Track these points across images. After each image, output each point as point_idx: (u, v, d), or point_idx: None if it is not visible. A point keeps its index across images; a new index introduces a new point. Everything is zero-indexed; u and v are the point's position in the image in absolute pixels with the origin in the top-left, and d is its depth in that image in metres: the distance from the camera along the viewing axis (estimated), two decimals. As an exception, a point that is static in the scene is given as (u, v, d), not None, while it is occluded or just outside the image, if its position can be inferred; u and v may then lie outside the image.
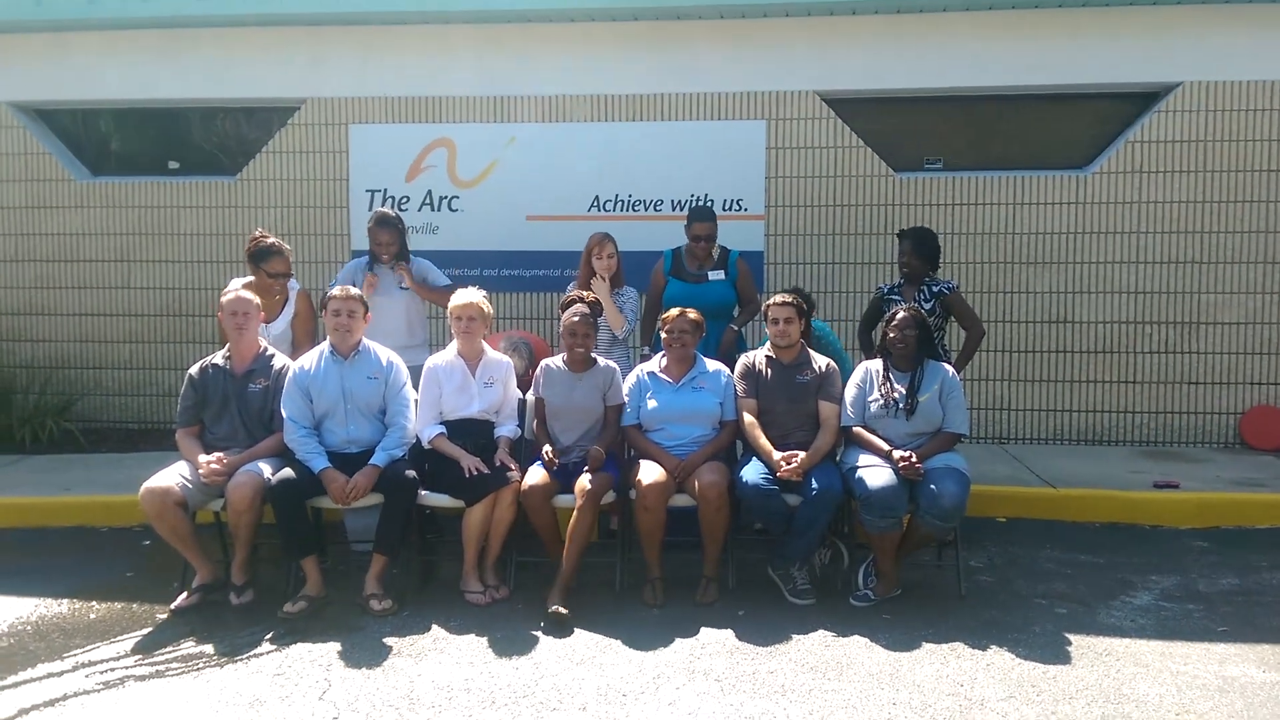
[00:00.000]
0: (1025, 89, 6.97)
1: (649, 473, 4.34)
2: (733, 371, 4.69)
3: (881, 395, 4.45)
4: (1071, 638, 3.93)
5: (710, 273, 5.40)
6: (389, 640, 3.94)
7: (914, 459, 4.22)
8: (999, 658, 3.75)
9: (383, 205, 7.12)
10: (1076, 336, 7.04)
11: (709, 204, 6.95)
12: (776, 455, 4.36)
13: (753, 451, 4.49)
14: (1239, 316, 6.92)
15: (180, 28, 7.16)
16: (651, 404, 4.59)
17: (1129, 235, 6.95)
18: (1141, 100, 6.98)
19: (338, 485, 4.25)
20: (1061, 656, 3.76)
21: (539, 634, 3.99)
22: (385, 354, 4.62)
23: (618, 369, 4.73)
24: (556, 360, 4.71)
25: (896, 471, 4.23)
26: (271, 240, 4.99)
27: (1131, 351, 7.01)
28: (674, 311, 4.64)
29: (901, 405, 4.40)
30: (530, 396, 4.80)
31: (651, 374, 4.68)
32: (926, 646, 3.85)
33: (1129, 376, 7.02)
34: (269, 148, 7.40)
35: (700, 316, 4.68)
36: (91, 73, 7.35)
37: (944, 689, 3.48)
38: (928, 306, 5.10)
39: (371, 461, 4.35)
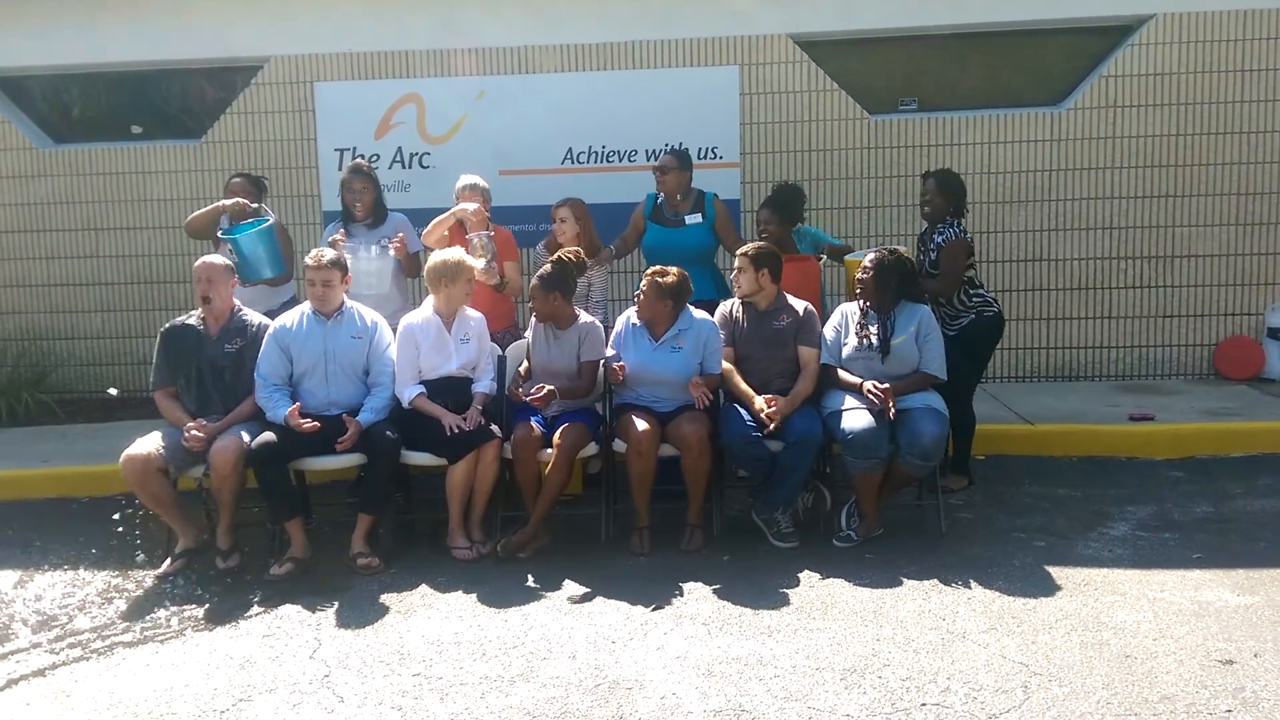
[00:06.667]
0: (998, 25, 6.91)
1: (641, 420, 4.34)
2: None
3: (857, 336, 4.45)
4: (1050, 570, 4.00)
5: (687, 217, 5.35)
6: (377, 598, 3.96)
7: (883, 390, 4.23)
8: (980, 591, 3.81)
9: (353, 162, 7.01)
10: (1053, 274, 7.06)
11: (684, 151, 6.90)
12: (758, 401, 4.37)
13: (734, 399, 4.50)
14: (1213, 249, 6.96)
15: (136, -13, 6.97)
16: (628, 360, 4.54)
17: (1104, 171, 6.94)
18: (1115, 34, 6.93)
19: (294, 414, 4.23)
20: (1041, 588, 3.82)
21: (526, 586, 4.02)
22: (370, 315, 4.59)
23: (598, 324, 4.66)
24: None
25: (877, 413, 4.24)
26: None
27: (1107, 287, 7.04)
28: (651, 270, 4.52)
29: (875, 347, 4.40)
30: (509, 352, 4.80)
31: (636, 326, 4.59)
32: (909, 583, 3.91)
33: (1105, 312, 7.07)
34: (234, 108, 7.26)
35: (675, 280, 4.46)
36: (49, 37, 7.13)
37: (927, 623, 3.54)
38: (932, 257, 4.94)
39: (358, 418, 4.33)
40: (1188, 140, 6.88)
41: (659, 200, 5.46)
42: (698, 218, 5.35)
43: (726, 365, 4.53)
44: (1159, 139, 6.89)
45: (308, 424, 4.23)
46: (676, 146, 6.89)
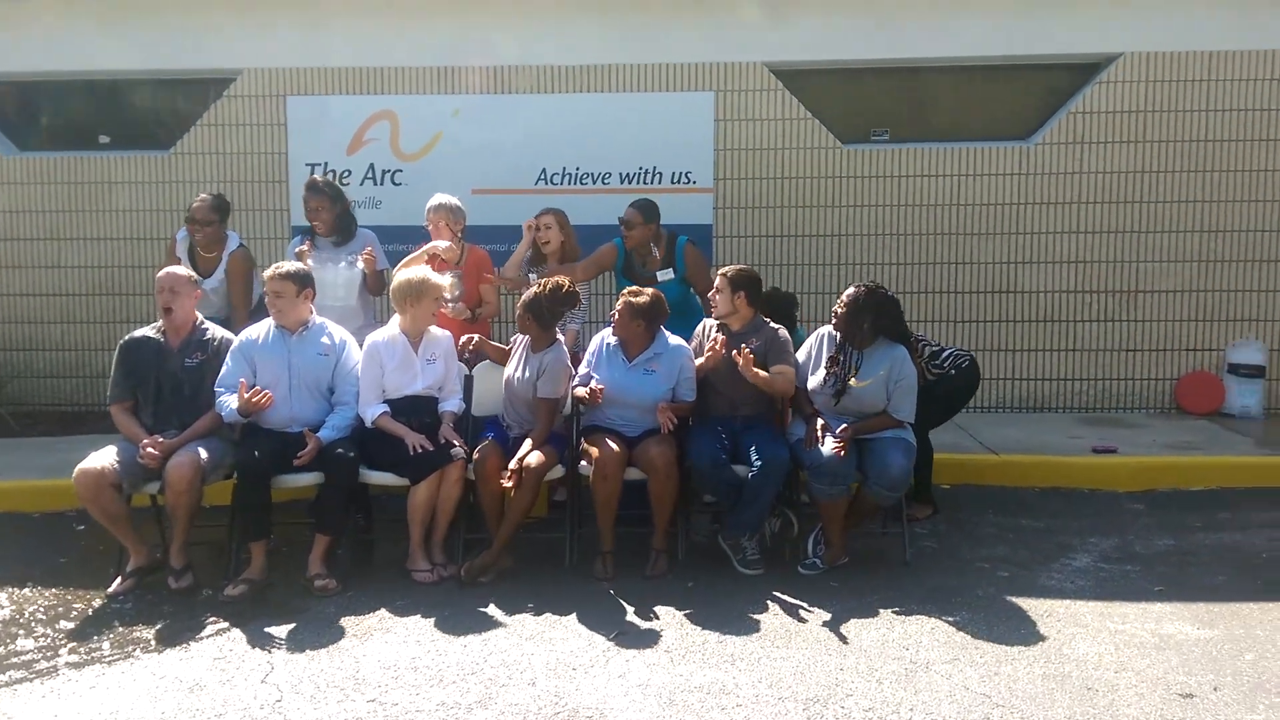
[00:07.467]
0: (969, 60, 7.02)
1: (607, 443, 4.31)
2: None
3: (826, 370, 4.43)
4: (1013, 600, 4.00)
5: (659, 273, 5.18)
6: (334, 622, 3.87)
7: (841, 432, 4.23)
8: (943, 621, 3.80)
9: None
10: (1019, 306, 7.14)
11: (657, 176, 6.94)
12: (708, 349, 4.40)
13: (701, 426, 4.47)
14: (1176, 285, 7.07)
15: (108, -5, 6.90)
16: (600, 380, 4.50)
17: (1070, 205, 7.05)
18: (1084, 71, 7.07)
19: (242, 389, 4.14)
20: (1004, 619, 3.82)
21: (487, 611, 3.96)
22: (338, 332, 4.53)
23: (564, 360, 4.47)
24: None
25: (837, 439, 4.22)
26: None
27: (1072, 320, 7.13)
28: (627, 291, 4.49)
29: (833, 385, 4.38)
30: (477, 373, 4.76)
31: (611, 345, 4.54)
32: (873, 612, 3.90)
33: (1069, 345, 7.15)
34: (204, 120, 7.19)
35: (648, 301, 4.41)
36: (17, 43, 7.05)
37: (890, 653, 3.52)
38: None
39: (318, 434, 4.26)
40: (1152, 177, 7.00)
41: (630, 251, 5.27)
42: (669, 273, 5.17)
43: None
44: (1124, 175, 7.01)
45: (260, 396, 4.14)
46: (650, 171, 6.93)
